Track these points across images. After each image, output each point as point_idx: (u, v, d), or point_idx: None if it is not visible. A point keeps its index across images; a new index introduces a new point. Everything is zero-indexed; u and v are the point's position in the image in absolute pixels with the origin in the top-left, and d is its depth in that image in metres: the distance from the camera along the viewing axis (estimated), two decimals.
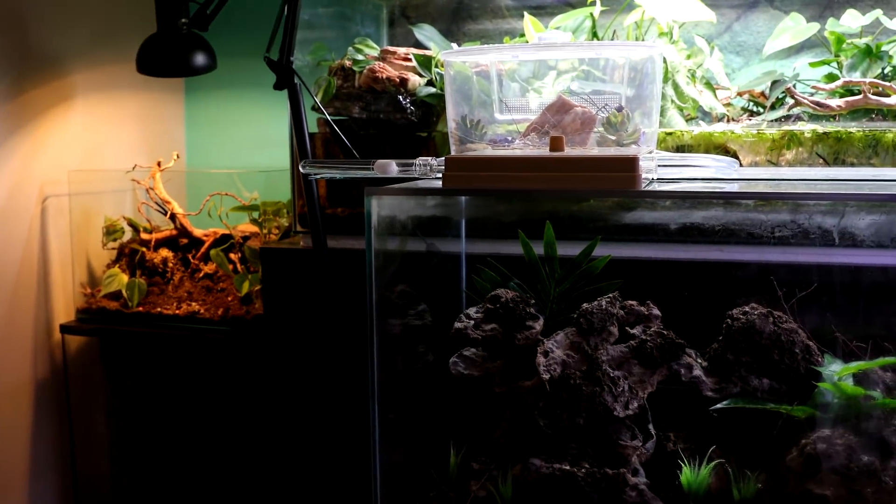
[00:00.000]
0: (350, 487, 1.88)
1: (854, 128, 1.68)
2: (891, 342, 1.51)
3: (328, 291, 1.77)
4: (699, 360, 1.52)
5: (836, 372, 1.45)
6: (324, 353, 1.89)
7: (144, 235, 2.37)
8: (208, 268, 2.32)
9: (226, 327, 2.15)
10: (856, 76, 1.79)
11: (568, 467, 1.45)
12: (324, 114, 1.81)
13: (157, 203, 2.37)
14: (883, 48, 1.81)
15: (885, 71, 1.83)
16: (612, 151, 1.45)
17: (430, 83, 1.88)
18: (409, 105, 1.85)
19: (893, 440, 1.39)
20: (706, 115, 1.88)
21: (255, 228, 2.27)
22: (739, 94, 1.95)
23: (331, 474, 1.96)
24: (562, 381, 1.47)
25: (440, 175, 1.36)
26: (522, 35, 1.94)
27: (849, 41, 1.83)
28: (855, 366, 1.46)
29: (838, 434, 1.40)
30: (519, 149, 1.56)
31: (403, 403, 1.60)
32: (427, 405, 1.67)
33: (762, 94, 1.92)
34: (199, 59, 2.08)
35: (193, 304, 2.23)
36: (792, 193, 1.44)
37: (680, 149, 1.73)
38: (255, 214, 2.27)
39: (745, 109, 1.94)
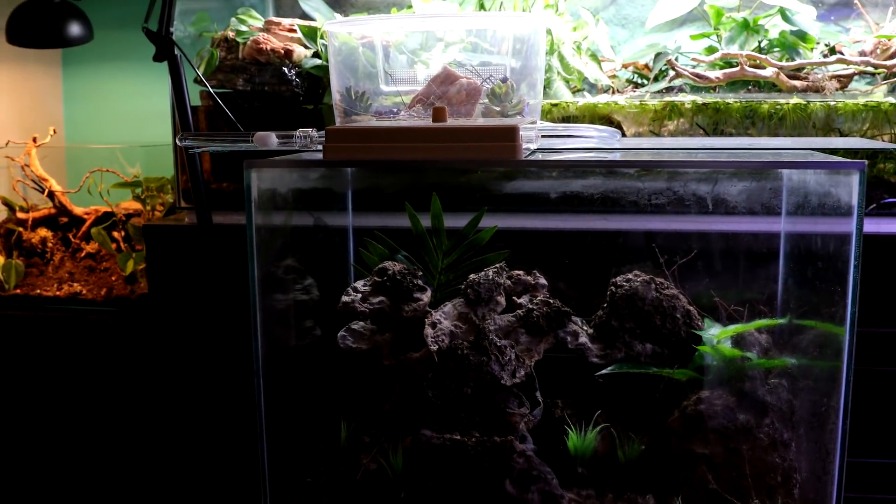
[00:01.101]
0: (239, 466, 1.85)
1: (732, 99, 1.73)
2: (766, 305, 1.57)
3: (214, 268, 1.73)
4: (585, 328, 1.55)
5: (715, 335, 1.49)
6: (211, 331, 1.85)
7: (21, 215, 2.27)
8: (90, 247, 2.24)
9: (110, 308, 2.08)
10: (734, 49, 1.84)
11: (458, 437, 1.46)
12: (206, 86, 1.76)
13: (33, 181, 2.27)
14: (759, 22, 1.86)
15: (762, 44, 1.88)
16: (496, 122, 1.46)
17: (315, 55, 1.84)
18: (294, 77, 1.81)
19: (768, 399, 1.44)
20: (592, 87, 1.91)
21: (138, 205, 2.21)
22: (624, 67, 1.98)
23: (219, 454, 1.93)
24: (450, 352, 1.47)
25: (321, 147, 1.34)
26: (410, 7, 1.93)
27: (728, 15, 1.88)
28: (733, 329, 1.51)
29: (717, 395, 1.45)
30: (404, 120, 1.55)
31: (291, 379, 1.58)
32: (316, 380, 1.65)
33: (646, 66, 1.96)
34: (74, 29, 2.00)
35: (75, 284, 2.15)
36: (666, 161, 1.47)
37: (565, 119, 1.75)
38: (138, 191, 2.21)
39: (629, 81, 1.97)
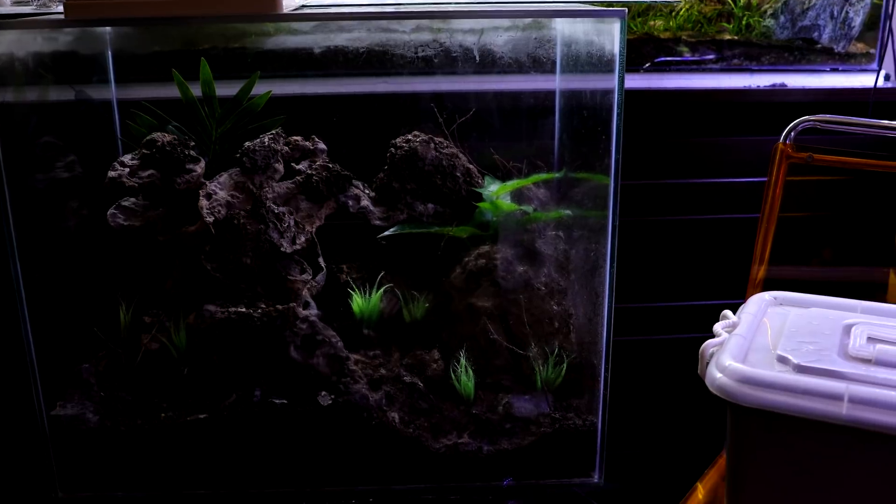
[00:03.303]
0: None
1: None
2: (543, 161, 1.59)
3: None
4: (367, 191, 1.53)
5: (494, 191, 1.51)
6: None
7: None
8: None
9: None
10: None
11: (243, 309, 1.42)
12: None
13: None
14: None
15: None
16: None
17: None
18: None
19: (545, 250, 1.48)
20: None
21: None
22: None
23: None
24: (226, 223, 1.42)
25: (63, 5, 1.22)
26: None
27: None
28: (511, 184, 1.53)
29: (497, 249, 1.47)
30: None
31: (58, 264, 1.49)
32: (88, 263, 1.56)
33: None
34: None
35: None
36: (436, 13, 1.44)
37: None
38: None
39: None
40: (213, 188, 1.47)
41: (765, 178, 1.49)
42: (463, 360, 1.41)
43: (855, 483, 0.97)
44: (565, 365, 1.42)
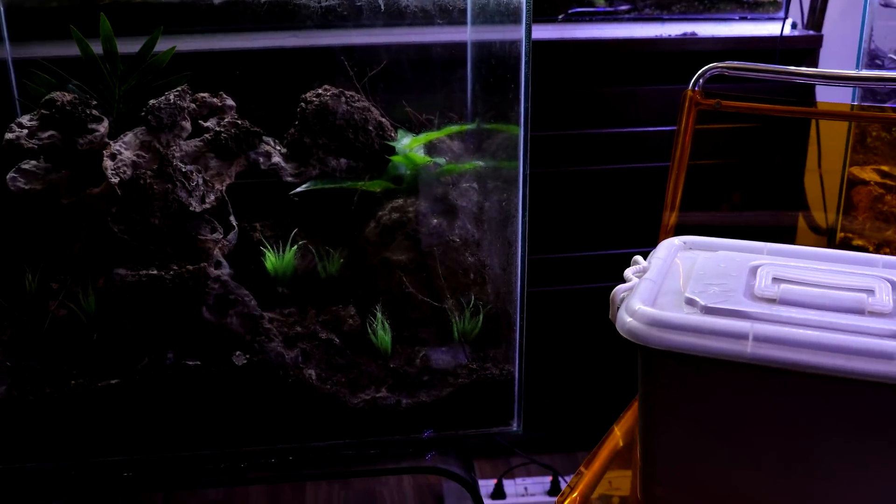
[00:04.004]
0: None
1: None
2: (456, 112, 1.59)
3: None
4: (278, 148, 1.50)
5: (407, 144, 1.50)
6: None
7: None
8: None
9: None
10: None
11: (155, 272, 1.39)
12: None
13: None
14: None
15: None
16: None
17: None
18: None
19: (459, 203, 1.48)
20: None
21: None
22: None
23: None
24: (132, 183, 1.38)
25: None
26: None
27: None
28: (424, 136, 1.52)
29: (410, 202, 1.47)
30: None
31: None
32: None
33: None
34: None
35: None
36: None
37: None
38: None
39: None
40: (118, 148, 1.43)
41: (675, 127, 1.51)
42: (379, 315, 1.41)
43: (760, 418, 1.00)
44: (482, 316, 1.43)
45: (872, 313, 0.99)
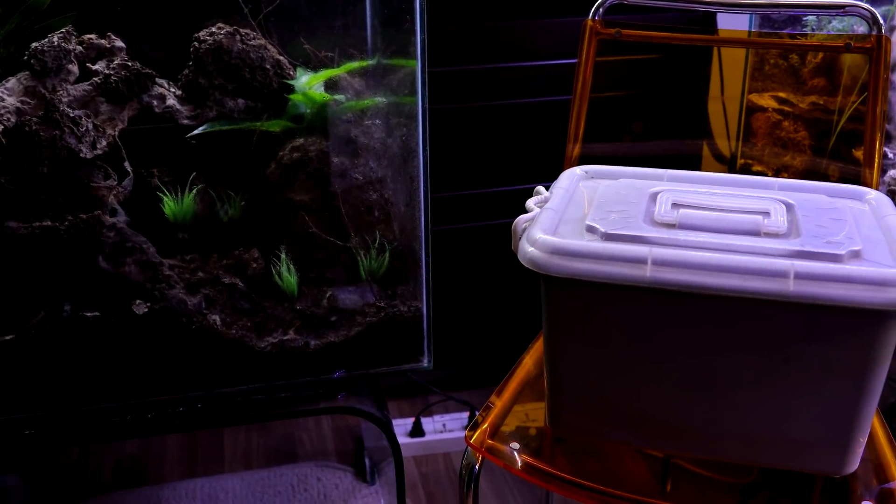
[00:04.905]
0: None
1: None
2: (356, 49, 1.55)
3: None
4: (172, 90, 1.45)
5: (306, 82, 1.47)
6: None
7: None
8: None
9: None
10: None
11: (49, 223, 1.34)
12: None
13: None
14: None
15: None
16: None
17: None
18: None
19: (361, 140, 1.46)
20: None
21: None
22: None
23: None
24: (17, 131, 1.32)
25: None
26: None
27: None
28: (323, 74, 1.49)
29: (311, 141, 1.44)
30: None
31: None
32: None
33: None
34: None
35: None
36: None
37: None
38: None
39: None
40: (1, 94, 1.37)
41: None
42: (284, 257, 1.39)
43: (663, 340, 1.02)
44: (388, 254, 1.42)
45: (768, 234, 1.01)
